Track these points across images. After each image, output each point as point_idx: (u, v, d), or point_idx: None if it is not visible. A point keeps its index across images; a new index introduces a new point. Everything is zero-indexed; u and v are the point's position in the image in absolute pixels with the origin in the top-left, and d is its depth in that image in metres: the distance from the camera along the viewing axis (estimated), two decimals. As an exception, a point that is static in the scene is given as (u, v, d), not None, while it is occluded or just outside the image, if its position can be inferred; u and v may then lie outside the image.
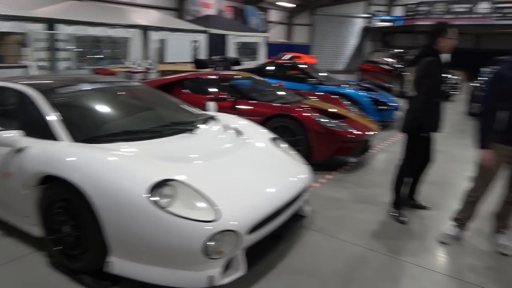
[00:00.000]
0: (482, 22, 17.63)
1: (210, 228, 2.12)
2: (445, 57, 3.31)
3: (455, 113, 9.75)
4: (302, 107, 4.98)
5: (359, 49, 24.49)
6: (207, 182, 2.39)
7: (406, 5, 20.67)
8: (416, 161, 3.55)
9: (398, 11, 22.69)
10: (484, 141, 2.86)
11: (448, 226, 3.26)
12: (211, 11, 17.99)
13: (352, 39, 24.76)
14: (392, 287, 2.60)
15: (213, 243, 2.13)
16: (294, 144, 4.71)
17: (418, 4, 19.33)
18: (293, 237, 3.11)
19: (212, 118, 3.47)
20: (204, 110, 3.87)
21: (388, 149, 6.13)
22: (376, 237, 3.26)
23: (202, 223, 2.13)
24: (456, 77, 12.26)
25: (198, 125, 3.16)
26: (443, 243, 3.16)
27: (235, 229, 2.20)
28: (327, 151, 4.67)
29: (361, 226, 3.44)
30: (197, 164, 2.62)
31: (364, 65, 15.60)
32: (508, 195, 3.01)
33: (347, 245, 3.09)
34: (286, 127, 4.73)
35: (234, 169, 2.73)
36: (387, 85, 13.06)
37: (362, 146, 4.96)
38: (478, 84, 9.35)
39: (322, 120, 4.69)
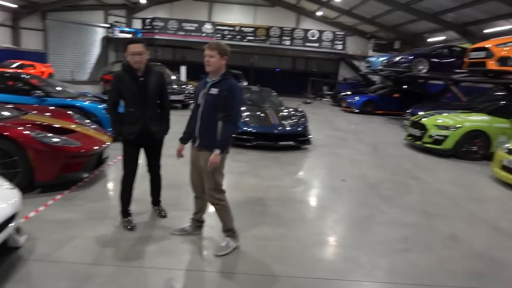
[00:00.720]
0: (207, 40, 20.47)
1: None
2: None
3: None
4: (18, 124, 4.39)
5: (102, 60, 23.77)
6: None
7: (143, 19, 21.56)
8: (128, 168, 3.66)
9: (137, 24, 23.39)
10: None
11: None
12: None
13: (95, 49, 23.78)
14: (117, 295, 2.66)
15: None
16: (11, 166, 4.14)
17: (153, 19, 20.55)
18: (3, 273, 2.70)
19: None
20: None
21: (127, 159, 6.21)
22: (104, 250, 3.25)
23: None
24: (190, 87, 13.75)
25: None
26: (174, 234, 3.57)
27: None
28: (53, 170, 4.30)
29: (89, 243, 3.34)
30: None
31: (107, 76, 15.28)
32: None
33: (72, 267, 2.94)
34: (-1, 148, 4.06)
35: None
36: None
37: (95, 160, 4.83)
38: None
39: (42, 137, 4.27)
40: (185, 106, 13.60)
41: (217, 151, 3.09)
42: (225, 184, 3.38)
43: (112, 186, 4.96)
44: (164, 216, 4.01)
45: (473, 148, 8.11)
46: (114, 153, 6.00)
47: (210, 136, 3.16)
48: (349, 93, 18.50)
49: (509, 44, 8.00)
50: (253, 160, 6.81)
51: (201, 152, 3.24)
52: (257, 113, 8.24)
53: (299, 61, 26.43)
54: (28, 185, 4.25)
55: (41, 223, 3.64)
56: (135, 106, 3.49)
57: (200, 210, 3.60)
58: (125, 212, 3.72)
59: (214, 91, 3.13)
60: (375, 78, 22.03)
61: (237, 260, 3.27)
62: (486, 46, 8.35)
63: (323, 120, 13.21)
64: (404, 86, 16.94)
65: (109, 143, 5.20)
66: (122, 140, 3.60)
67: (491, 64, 8.13)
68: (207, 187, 3.28)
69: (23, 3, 19.59)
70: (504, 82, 9.86)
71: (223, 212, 3.36)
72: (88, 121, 5.91)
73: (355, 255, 3.51)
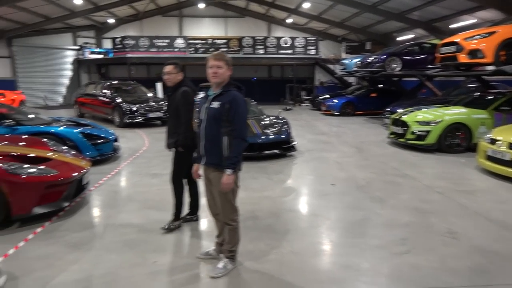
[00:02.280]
0: (180, 55, 20.34)
1: None
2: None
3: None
4: (-13, 157, 4.12)
5: (75, 82, 23.22)
6: None
7: (113, 38, 21.22)
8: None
9: (108, 44, 23.01)
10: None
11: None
12: None
13: (66, 72, 23.20)
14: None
15: None
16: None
17: (124, 37, 20.24)
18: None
19: None
20: None
21: (108, 182, 5.96)
22: (91, 286, 3.03)
23: None
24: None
25: None
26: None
27: None
28: (30, 202, 4.04)
29: (75, 277, 3.11)
30: None
31: (82, 98, 14.90)
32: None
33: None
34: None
35: None
36: (109, 117, 12.99)
37: (74, 187, 4.58)
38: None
39: (16, 168, 4.02)
40: (164, 122, 13.35)
41: (228, 172, 2.91)
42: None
43: (95, 213, 4.70)
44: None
45: (456, 141, 8.22)
46: (95, 178, 5.77)
47: (217, 153, 2.98)
48: (327, 96, 18.63)
49: (476, 37, 8.18)
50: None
51: (210, 171, 3.11)
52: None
53: (274, 69, 26.53)
54: (4, 220, 3.98)
55: (22, 260, 3.39)
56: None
57: (222, 232, 3.36)
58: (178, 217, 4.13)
59: (215, 104, 2.97)
60: (351, 79, 22.31)
61: (237, 280, 3.11)
62: (455, 40, 8.52)
63: (304, 125, 13.20)
64: (379, 85, 17.21)
65: (88, 168, 4.96)
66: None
67: (462, 58, 8.29)
68: (220, 206, 3.12)
69: (-14, 31, 19.02)
70: (475, 74, 10.10)
71: (234, 232, 3.20)
72: (64, 147, 5.65)
73: (355, 262, 3.40)
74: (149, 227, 4.14)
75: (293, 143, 8.04)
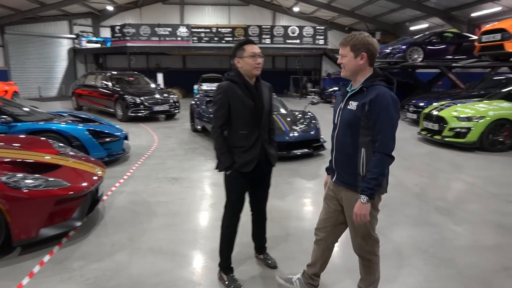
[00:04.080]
0: (183, 44, 19.34)
1: None
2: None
3: (183, 131, 9.87)
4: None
5: (71, 73, 22.16)
6: None
7: (111, 26, 20.15)
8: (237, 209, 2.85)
9: (106, 32, 21.92)
10: None
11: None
12: None
13: (62, 62, 22.09)
14: None
15: None
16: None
17: (123, 26, 19.18)
18: None
19: None
20: None
21: (122, 189, 5.12)
22: None
23: None
24: (174, 95, 12.62)
25: None
26: None
27: None
28: (35, 223, 3.20)
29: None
30: None
31: (80, 90, 13.92)
32: None
33: None
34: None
35: None
36: (111, 110, 12.08)
37: (89, 201, 3.74)
38: (196, 101, 9.76)
39: (16, 180, 3.18)
40: (169, 116, 12.48)
41: (362, 199, 2.14)
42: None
43: (114, 232, 3.84)
44: (274, 267, 3.08)
45: (500, 138, 7.46)
46: (106, 184, 4.88)
47: (349, 170, 2.25)
48: (336, 88, 17.81)
49: (526, 23, 7.40)
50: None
51: (341, 189, 2.36)
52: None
53: (278, 59, 25.63)
54: (4, 246, 3.15)
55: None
56: (249, 127, 2.67)
57: (315, 262, 2.61)
58: (229, 267, 2.88)
59: (352, 105, 2.22)
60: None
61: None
62: (502, 27, 7.70)
63: (320, 119, 12.36)
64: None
65: (103, 175, 4.11)
66: (229, 174, 2.72)
67: (510, 46, 7.48)
68: (352, 235, 2.41)
69: (-23, 17, 17.89)
70: None
71: (370, 269, 2.47)
72: (72, 150, 4.78)
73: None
74: (183, 251, 3.34)
75: (323, 141, 7.23)
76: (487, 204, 4.63)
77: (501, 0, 13.49)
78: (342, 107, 2.30)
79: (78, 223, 3.57)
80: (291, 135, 6.77)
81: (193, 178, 5.69)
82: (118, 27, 19.33)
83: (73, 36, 22.05)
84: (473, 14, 15.02)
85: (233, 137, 2.68)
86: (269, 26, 20.52)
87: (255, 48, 2.66)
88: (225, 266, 2.87)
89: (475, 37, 13.53)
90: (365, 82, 2.21)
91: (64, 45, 22.07)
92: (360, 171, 2.19)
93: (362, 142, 2.17)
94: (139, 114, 11.50)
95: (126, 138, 6.91)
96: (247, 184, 2.78)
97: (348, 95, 2.27)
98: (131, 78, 13.66)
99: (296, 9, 22.52)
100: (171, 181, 5.52)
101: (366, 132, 2.16)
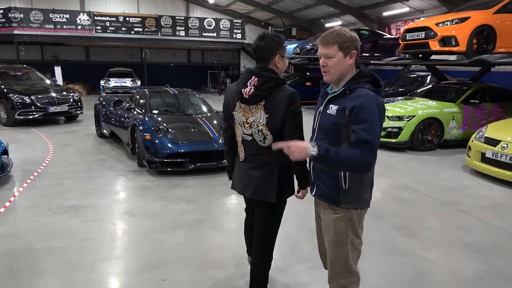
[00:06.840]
0: (85, 34, 17.01)
1: None
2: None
3: (86, 138, 8.25)
4: None
5: None
6: None
7: (-8, 9, 16.88)
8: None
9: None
10: None
11: None
12: None
13: None
14: None
15: None
16: None
17: (8, 9, 16.11)
18: None
19: None
20: None
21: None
22: None
23: None
24: (74, 93, 10.71)
25: None
26: None
27: None
28: None
29: None
30: None
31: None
32: None
33: None
34: None
35: None
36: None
37: None
38: (101, 100, 8.22)
39: None
40: (70, 118, 10.59)
41: (312, 150, 1.77)
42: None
43: None
44: None
45: (428, 137, 7.46)
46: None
47: (329, 182, 1.96)
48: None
49: (447, 22, 7.42)
50: (198, 194, 4.84)
51: (321, 207, 2.08)
52: (185, 123, 6.21)
53: (194, 53, 24.35)
54: None
55: None
56: None
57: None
58: None
59: (332, 109, 1.91)
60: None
61: None
62: (426, 25, 7.67)
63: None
64: (307, 73, 16.52)
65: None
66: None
67: (434, 45, 7.48)
68: (328, 262, 2.08)
69: None
70: (447, 64, 9.38)
71: None
72: None
73: None
74: None
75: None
76: (443, 217, 4.26)
77: (409, 1, 14.14)
78: (321, 110, 2.01)
79: None
80: (220, 141, 5.81)
81: (101, 206, 4.41)
82: (1, 11, 16.22)
83: None
84: (384, 14, 15.59)
85: None
86: (183, 17, 19.13)
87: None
88: None
89: (389, 36, 14.03)
90: (348, 83, 1.90)
91: None
92: (342, 184, 1.92)
93: None
94: (29, 117, 9.48)
95: (5, 152, 5.29)
96: None
97: (328, 97, 1.97)
98: (19, 73, 11.36)
99: (211, 0, 21.45)
100: (69, 212, 4.18)
101: (347, 141, 1.85)
